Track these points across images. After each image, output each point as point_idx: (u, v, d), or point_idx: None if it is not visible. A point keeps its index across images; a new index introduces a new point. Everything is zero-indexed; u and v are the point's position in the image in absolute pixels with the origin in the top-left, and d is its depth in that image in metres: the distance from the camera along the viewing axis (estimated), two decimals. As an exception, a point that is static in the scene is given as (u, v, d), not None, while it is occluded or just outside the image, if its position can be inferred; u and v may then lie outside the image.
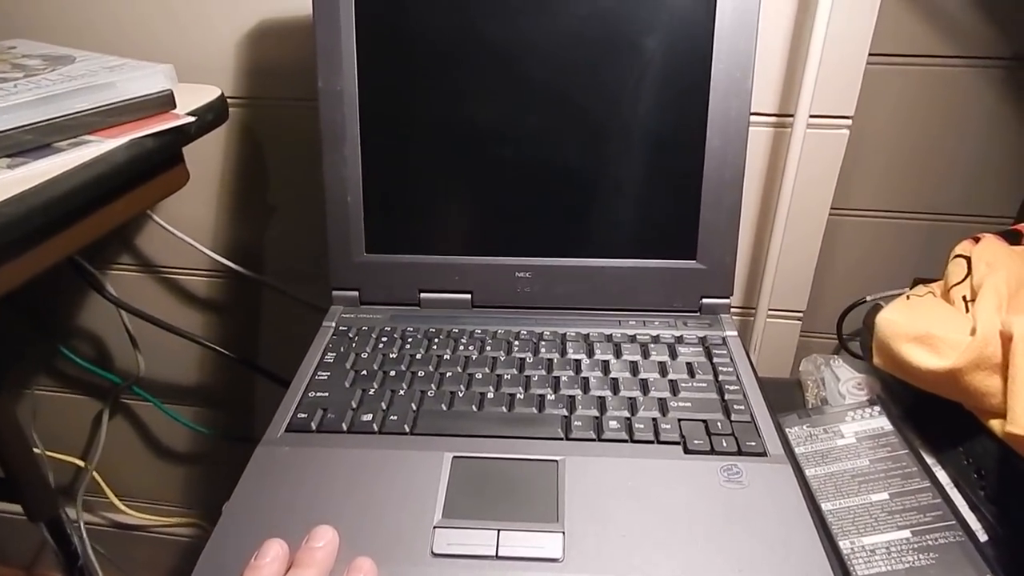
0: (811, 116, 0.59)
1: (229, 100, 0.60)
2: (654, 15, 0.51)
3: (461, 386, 0.47)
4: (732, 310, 0.56)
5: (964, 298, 0.50)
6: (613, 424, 0.43)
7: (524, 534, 0.36)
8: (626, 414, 0.45)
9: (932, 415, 0.48)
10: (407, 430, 0.44)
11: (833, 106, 0.61)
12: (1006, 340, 0.42)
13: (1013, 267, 0.49)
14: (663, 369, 0.49)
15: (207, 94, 0.58)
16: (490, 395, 0.46)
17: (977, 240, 0.54)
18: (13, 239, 0.42)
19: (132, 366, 0.85)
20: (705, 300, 0.55)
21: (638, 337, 0.52)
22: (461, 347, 0.51)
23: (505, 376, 0.48)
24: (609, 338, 0.52)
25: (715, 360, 0.49)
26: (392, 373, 0.48)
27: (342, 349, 0.51)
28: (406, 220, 0.56)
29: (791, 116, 0.61)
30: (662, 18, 0.51)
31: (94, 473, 0.93)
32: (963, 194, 0.69)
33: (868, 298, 0.72)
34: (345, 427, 0.44)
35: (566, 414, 0.45)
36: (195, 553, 0.35)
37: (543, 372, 0.48)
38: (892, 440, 0.48)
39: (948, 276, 0.53)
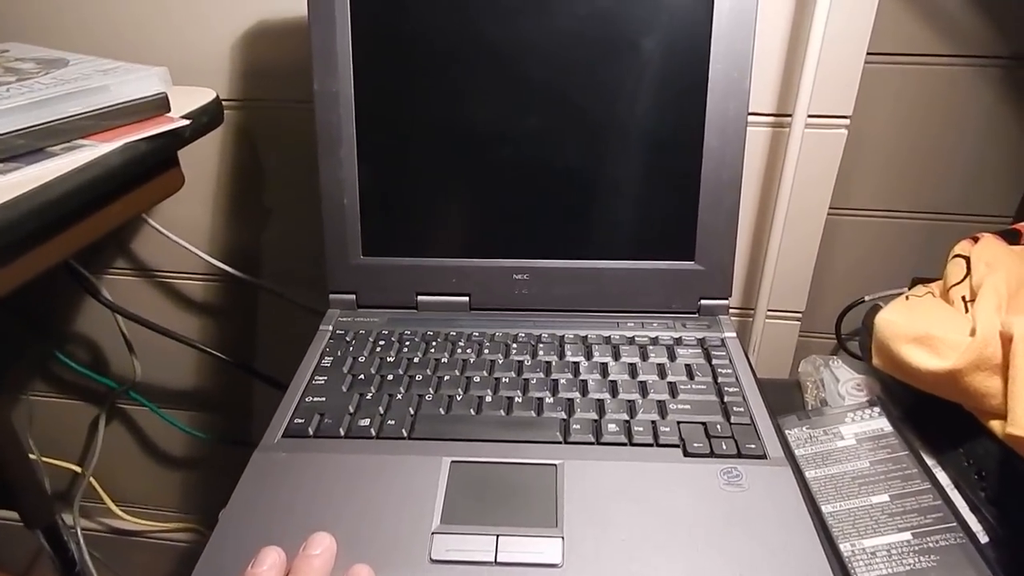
0: (809, 116, 0.59)
1: (224, 102, 0.60)
2: (651, 16, 0.51)
3: (459, 390, 0.47)
4: (731, 311, 0.56)
5: (963, 298, 0.49)
6: (612, 427, 0.43)
7: (523, 539, 0.36)
8: (625, 417, 0.44)
9: (932, 416, 0.48)
10: (405, 435, 0.43)
11: (831, 106, 0.61)
12: (1006, 341, 0.41)
13: (1012, 267, 0.49)
14: (662, 371, 0.48)
15: (202, 97, 0.57)
16: (488, 398, 0.46)
17: (976, 240, 0.54)
18: (6, 244, 0.42)
19: (128, 371, 0.85)
20: (704, 301, 0.55)
21: (637, 339, 0.52)
22: (459, 350, 0.51)
23: (503, 379, 0.48)
24: (607, 340, 0.52)
25: (714, 362, 0.49)
26: (390, 377, 0.48)
27: (339, 353, 0.51)
28: (403, 222, 0.55)
29: (789, 116, 0.60)
30: (660, 19, 0.51)
31: (91, 479, 0.92)
32: (962, 193, 0.69)
33: (867, 298, 0.72)
34: (342, 432, 0.43)
35: (565, 417, 0.44)
36: (192, 558, 0.35)
37: (541, 375, 0.48)
38: (892, 441, 0.48)
39: (947, 276, 0.53)
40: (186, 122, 0.53)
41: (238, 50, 0.66)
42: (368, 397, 0.47)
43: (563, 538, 0.36)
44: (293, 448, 0.43)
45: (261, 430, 0.44)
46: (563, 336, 0.52)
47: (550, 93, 0.53)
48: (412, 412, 0.45)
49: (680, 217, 0.54)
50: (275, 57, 0.66)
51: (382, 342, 0.52)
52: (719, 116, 0.52)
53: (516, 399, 0.46)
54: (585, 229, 0.55)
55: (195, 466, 0.96)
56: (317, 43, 0.52)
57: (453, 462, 0.41)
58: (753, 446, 0.42)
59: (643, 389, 0.47)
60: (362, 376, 0.48)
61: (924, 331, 0.46)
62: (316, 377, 0.49)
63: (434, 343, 0.51)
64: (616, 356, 0.50)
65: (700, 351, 0.50)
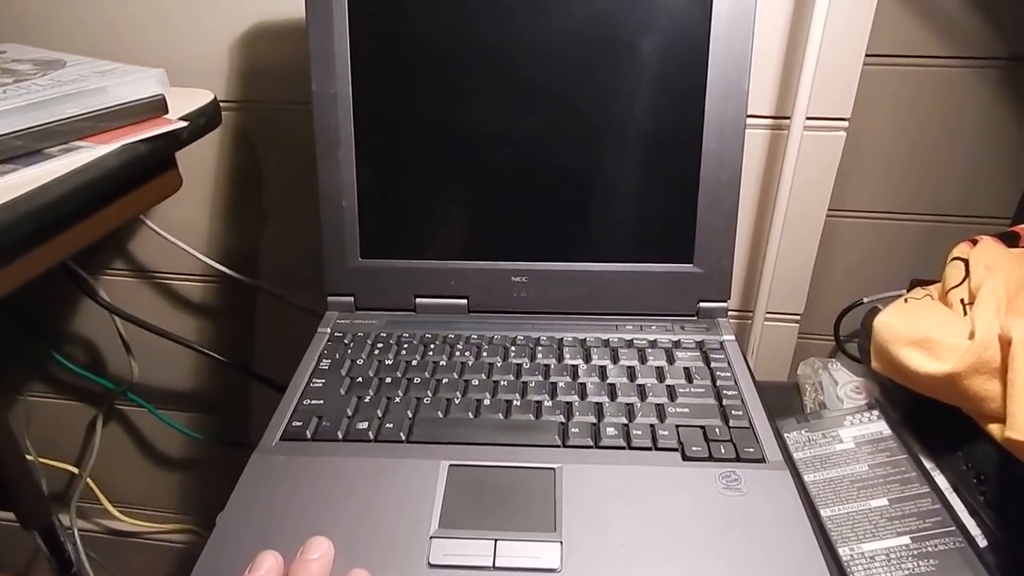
0: (808, 118, 0.59)
1: (222, 104, 0.60)
2: (650, 17, 0.51)
3: (457, 392, 0.47)
4: (729, 313, 0.56)
5: (962, 301, 0.49)
6: (611, 431, 0.43)
7: (521, 544, 0.36)
8: (624, 420, 0.44)
9: (931, 419, 0.48)
10: (403, 438, 0.43)
11: (830, 108, 0.60)
12: (1005, 344, 0.41)
13: (1011, 270, 0.49)
14: (660, 374, 0.48)
15: (200, 98, 0.57)
16: (487, 402, 0.46)
17: (974, 242, 0.54)
18: (4, 247, 0.42)
19: (126, 372, 0.84)
20: (702, 304, 0.55)
21: (635, 342, 0.52)
22: (457, 353, 0.51)
23: (502, 382, 0.48)
24: (606, 343, 0.51)
25: (713, 365, 0.49)
26: (388, 380, 0.48)
27: (337, 356, 0.51)
28: (402, 224, 0.55)
29: (788, 118, 0.60)
30: (658, 21, 0.51)
31: (88, 479, 0.92)
32: (960, 194, 0.69)
33: (865, 299, 0.73)
34: (340, 435, 0.43)
35: (563, 421, 0.44)
36: (190, 560, 0.35)
37: (540, 378, 0.48)
38: (891, 445, 0.48)
39: (946, 279, 0.53)
40: (184, 124, 0.52)
41: (236, 51, 0.66)
42: (366, 400, 0.46)
43: (561, 543, 0.36)
44: (291, 451, 0.43)
45: (259, 431, 0.44)
46: (562, 339, 0.52)
47: (549, 95, 0.53)
48: (410, 415, 0.45)
49: (679, 219, 0.53)
50: (273, 58, 0.66)
51: (380, 344, 0.52)
52: (718, 118, 0.52)
53: (515, 402, 0.46)
54: (584, 231, 0.55)
55: (192, 467, 0.96)
56: (315, 44, 0.52)
57: (451, 466, 0.41)
58: (752, 450, 0.42)
59: (642, 392, 0.47)
60: (360, 379, 0.48)
61: (923, 334, 0.46)
62: (314, 380, 0.49)
63: (432, 345, 0.51)
64: (615, 359, 0.50)
65: (699, 354, 0.50)
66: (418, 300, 0.56)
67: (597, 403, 0.46)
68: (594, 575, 0.35)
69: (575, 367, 0.49)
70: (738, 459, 0.41)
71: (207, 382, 0.87)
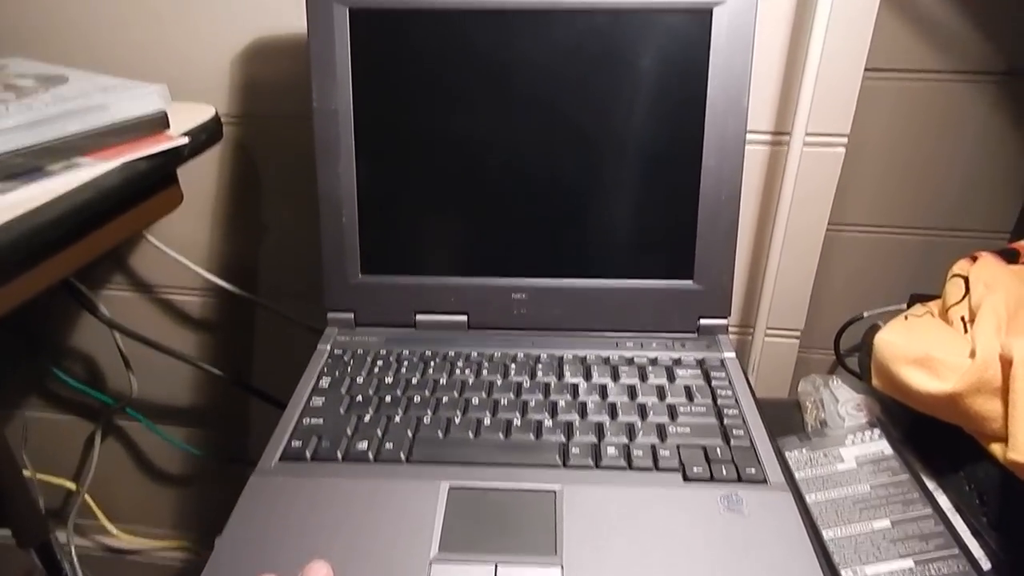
0: (807, 134, 0.59)
1: (223, 118, 0.60)
2: (649, 35, 0.51)
3: (457, 411, 0.47)
4: (729, 329, 0.56)
5: (963, 319, 0.49)
6: (611, 451, 0.43)
7: (522, 568, 0.36)
8: (624, 440, 0.44)
9: (933, 438, 0.47)
10: (403, 458, 0.43)
11: (829, 124, 0.61)
12: (1006, 364, 0.41)
13: (1011, 287, 0.49)
14: (661, 393, 0.48)
15: (201, 114, 0.57)
16: (487, 421, 0.46)
17: (974, 259, 0.54)
18: (5, 265, 0.42)
19: (125, 387, 0.84)
20: (703, 321, 0.55)
21: (636, 360, 0.51)
22: (457, 371, 0.50)
23: (502, 401, 0.47)
24: (606, 361, 0.51)
25: (713, 383, 0.49)
26: (388, 399, 0.48)
27: (337, 373, 0.51)
28: (402, 241, 0.55)
29: (787, 134, 0.60)
30: (657, 38, 0.51)
31: (86, 496, 0.92)
32: (958, 208, 0.70)
33: (866, 314, 0.73)
34: (340, 456, 0.43)
35: (564, 441, 0.44)
36: (187, 579, 0.35)
37: (540, 396, 0.48)
38: (893, 464, 0.47)
39: (946, 296, 0.53)
40: (185, 140, 0.53)
41: (237, 65, 0.66)
42: (366, 419, 0.46)
43: (562, 566, 0.36)
44: (290, 472, 0.42)
45: (257, 447, 0.44)
46: (562, 356, 0.52)
47: (549, 113, 0.53)
48: (410, 435, 0.45)
49: (679, 236, 0.53)
50: (274, 73, 0.66)
51: (380, 362, 0.52)
52: (717, 134, 0.52)
53: (515, 422, 0.46)
54: (584, 248, 0.55)
55: (190, 483, 0.95)
56: (316, 60, 0.52)
57: (452, 487, 0.40)
58: (753, 470, 0.41)
59: (642, 411, 0.46)
60: (360, 397, 0.48)
61: (924, 352, 0.46)
62: (314, 398, 0.48)
63: (432, 363, 0.51)
64: (615, 377, 0.50)
65: (699, 372, 0.50)
66: (418, 317, 0.56)
67: (598, 422, 0.46)
68: (595, 599, 0.35)
69: (575, 385, 0.49)
70: (739, 480, 0.41)
71: (206, 397, 0.87)
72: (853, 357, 0.77)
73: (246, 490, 0.41)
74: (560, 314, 0.55)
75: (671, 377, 0.50)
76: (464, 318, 0.55)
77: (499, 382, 0.49)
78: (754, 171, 0.64)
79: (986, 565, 0.41)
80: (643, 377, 0.50)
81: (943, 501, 0.45)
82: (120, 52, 0.67)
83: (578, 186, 0.54)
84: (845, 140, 0.61)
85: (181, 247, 0.74)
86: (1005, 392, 0.41)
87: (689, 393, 0.48)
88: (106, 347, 0.82)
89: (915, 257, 0.72)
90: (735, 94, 0.51)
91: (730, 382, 0.49)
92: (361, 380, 0.50)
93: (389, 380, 0.50)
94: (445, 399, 0.48)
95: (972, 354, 0.44)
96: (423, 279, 0.55)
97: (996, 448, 0.42)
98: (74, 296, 0.77)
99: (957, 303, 0.51)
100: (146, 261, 0.78)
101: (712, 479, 0.41)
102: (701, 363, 0.51)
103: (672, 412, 0.46)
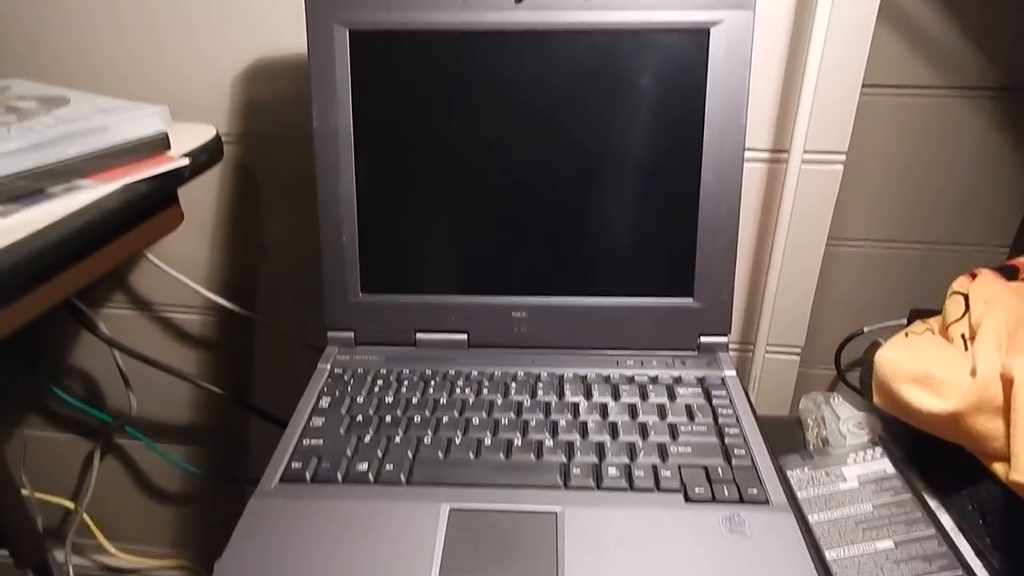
0: (805, 152, 0.60)
1: (223, 136, 0.60)
2: (648, 55, 0.51)
3: (458, 431, 0.46)
4: (730, 346, 0.55)
5: (963, 336, 0.49)
6: (612, 471, 0.43)
7: (523, 591, 0.36)
8: (625, 460, 0.44)
9: (935, 456, 0.47)
10: (403, 480, 0.43)
11: (827, 142, 0.61)
12: (1007, 383, 0.41)
13: (1011, 305, 0.49)
14: (662, 412, 0.48)
15: (202, 134, 0.57)
16: (487, 441, 0.46)
17: (973, 276, 0.54)
18: (6, 288, 0.42)
19: (124, 405, 0.84)
20: (703, 339, 0.54)
21: (636, 378, 0.51)
22: (458, 390, 0.50)
23: (503, 421, 0.47)
24: (607, 379, 0.51)
25: (714, 402, 0.49)
26: (388, 419, 0.48)
27: (337, 393, 0.50)
28: (402, 260, 0.55)
29: (785, 152, 0.61)
30: (656, 58, 0.51)
31: (84, 515, 0.91)
32: (957, 222, 0.70)
33: (866, 329, 0.73)
34: (340, 477, 0.43)
35: (564, 461, 0.44)
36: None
37: (541, 416, 0.48)
38: (895, 484, 0.47)
39: (946, 313, 0.53)
40: (186, 161, 0.53)
41: (237, 85, 0.67)
42: (366, 440, 0.46)
43: (564, 590, 0.36)
44: (290, 494, 0.42)
45: (257, 465, 0.43)
46: (562, 375, 0.52)
47: (548, 132, 0.53)
48: (411, 455, 0.44)
49: (678, 254, 0.54)
50: (274, 92, 0.66)
51: (380, 381, 0.51)
52: (716, 153, 0.52)
53: (515, 442, 0.45)
54: (583, 266, 0.55)
55: (189, 502, 0.95)
56: (317, 81, 0.53)
57: (452, 509, 0.40)
58: (755, 491, 0.41)
59: (643, 431, 0.46)
60: (360, 417, 0.48)
61: (924, 371, 0.46)
62: (314, 418, 0.48)
63: (433, 382, 0.51)
64: (616, 396, 0.49)
65: (700, 390, 0.50)
66: (418, 335, 0.56)
67: (599, 442, 0.45)
68: (597, 623, 0.34)
69: (576, 404, 0.49)
70: (742, 501, 0.41)
71: (206, 415, 0.87)
72: (854, 372, 0.77)
73: (246, 513, 0.41)
74: (560, 332, 0.55)
75: (672, 396, 0.49)
76: (464, 336, 0.55)
77: (499, 401, 0.49)
78: (753, 188, 0.64)
79: (990, 586, 0.41)
80: (644, 396, 0.49)
81: (946, 520, 0.44)
82: (121, 71, 0.68)
83: (578, 204, 0.54)
84: (843, 157, 0.62)
85: (181, 265, 0.74)
86: (1006, 411, 0.41)
87: (690, 412, 0.48)
88: (105, 365, 0.82)
89: (914, 271, 0.73)
90: (733, 112, 0.51)
91: (731, 400, 0.49)
92: (361, 400, 0.50)
93: (389, 399, 0.50)
94: (445, 419, 0.48)
95: (973, 372, 0.44)
96: (423, 297, 0.55)
97: (998, 467, 0.42)
98: (74, 314, 0.77)
99: (957, 320, 0.51)
100: (146, 279, 0.78)
101: (714, 500, 0.41)
102: (702, 381, 0.51)
103: (673, 431, 0.46)
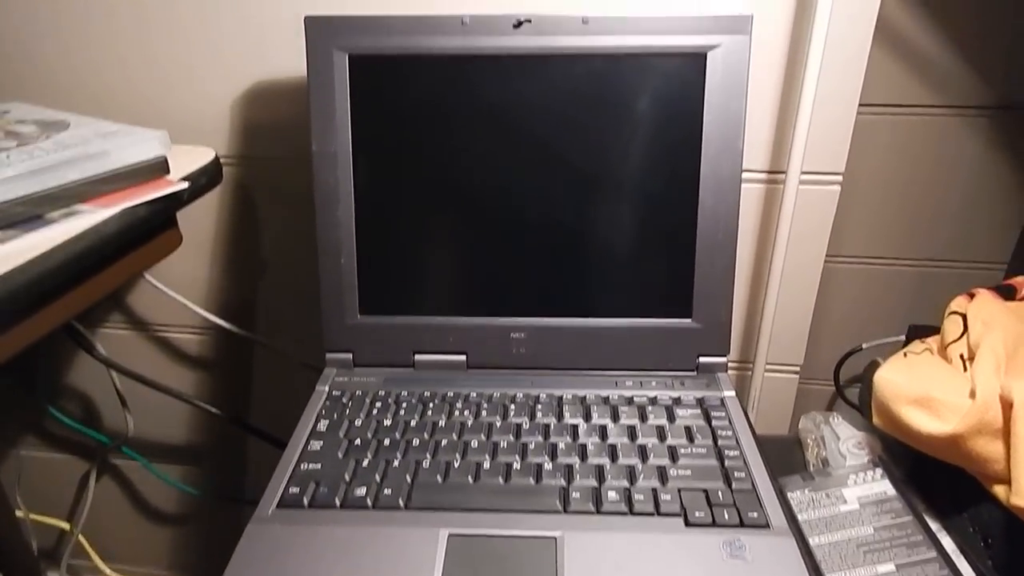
0: (803, 173, 0.60)
1: (222, 159, 0.60)
2: (645, 79, 0.52)
3: (457, 455, 0.46)
4: (729, 365, 0.55)
5: (962, 356, 0.49)
6: (612, 495, 0.43)
7: (523, 619, 0.35)
8: (625, 484, 0.44)
9: (935, 478, 0.47)
10: (402, 504, 0.42)
11: (824, 163, 0.61)
12: (1006, 406, 0.41)
13: (1009, 325, 0.49)
14: (661, 433, 0.48)
15: (201, 157, 0.58)
16: (486, 465, 0.45)
17: (971, 296, 0.54)
18: (4, 316, 0.42)
19: (121, 426, 0.83)
20: (702, 359, 0.54)
21: (635, 399, 0.51)
22: (456, 412, 0.50)
23: (501, 444, 0.47)
24: (606, 400, 0.51)
25: (714, 423, 0.49)
26: (386, 442, 0.48)
27: (335, 416, 0.50)
28: (400, 281, 0.56)
29: (783, 173, 0.61)
30: (653, 81, 0.52)
31: (80, 536, 0.90)
32: (954, 239, 0.70)
33: (864, 346, 0.73)
34: (338, 502, 0.43)
35: (564, 484, 0.44)
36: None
37: (540, 438, 0.48)
38: (896, 506, 0.47)
39: (944, 333, 0.53)
40: (185, 185, 0.53)
41: (236, 107, 0.67)
42: (364, 464, 0.46)
43: (564, 618, 0.35)
44: (288, 520, 0.42)
45: (255, 486, 0.43)
46: (561, 396, 0.52)
47: (546, 155, 0.53)
48: (409, 480, 0.44)
49: (677, 275, 0.54)
50: (273, 114, 0.66)
51: (379, 404, 0.51)
52: (713, 175, 0.52)
53: (515, 465, 0.45)
54: (582, 288, 0.55)
55: (186, 523, 0.94)
56: (316, 106, 0.53)
57: (451, 535, 0.40)
58: (755, 515, 0.41)
59: (643, 453, 0.46)
60: (358, 441, 0.48)
61: (924, 392, 0.46)
62: (312, 442, 0.48)
63: (431, 404, 0.51)
64: (615, 418, 0.49)
65: (699, 412, 0.50)
66: (417, 357, 0.56)
67: (598, 465, 0.45)
68: (598, 652, 0.34)
69: (575, 426, 0.49)
70: (742, 524, 0.41)
71: (203, 436, 0.86)
72: (853, 389, 0.77)
73: (243, 539, 0.40)
74: (559, 353, 0.55)
75: (671, 417, 0.49)
76: (463, 358, 0.55)
77: (498, 423, 0.49)
78: (751, 210, 0.64)
79: (993, 610, 0.40)
80: (643, 417, 0.49)
81: (947, 543, 0.44)
82: (121, 92, 0.68)
83: (576, 226, 0.54)
84: (840, 178, 0.62)
85: (179, 286, 0.74)
86: (1006, 434, 0.41)
87: (689, 434, 0.48)
88: (102, 386, 0.82)
89: (912, 288, 0.73)
90: (730, 135, 0.52)
91: (730, 422, 0.49)
92: (359, 423, 0.50)
93: (388, 422, 0.49)
94: (444, 442, 0.47)
95: (972, 394, 0.44)
96: (421, 319, 0.55)
97: (999, 490, 0.41)
98: (70, 335, 0.77)
99: (956, 340, 0.51)
100: (144, 300, 0.78)
101: (714, 524, 0.41)
102: (701, 402, 0.51)
103: (673, 454, 0.46)
